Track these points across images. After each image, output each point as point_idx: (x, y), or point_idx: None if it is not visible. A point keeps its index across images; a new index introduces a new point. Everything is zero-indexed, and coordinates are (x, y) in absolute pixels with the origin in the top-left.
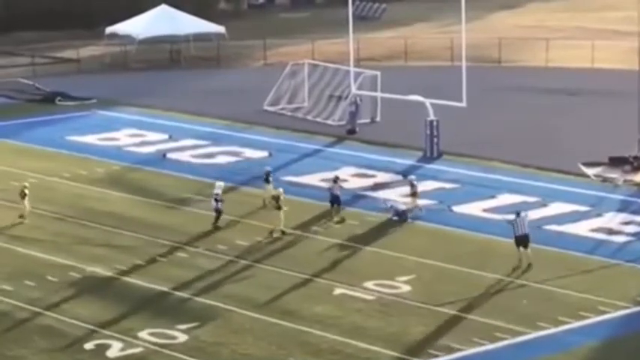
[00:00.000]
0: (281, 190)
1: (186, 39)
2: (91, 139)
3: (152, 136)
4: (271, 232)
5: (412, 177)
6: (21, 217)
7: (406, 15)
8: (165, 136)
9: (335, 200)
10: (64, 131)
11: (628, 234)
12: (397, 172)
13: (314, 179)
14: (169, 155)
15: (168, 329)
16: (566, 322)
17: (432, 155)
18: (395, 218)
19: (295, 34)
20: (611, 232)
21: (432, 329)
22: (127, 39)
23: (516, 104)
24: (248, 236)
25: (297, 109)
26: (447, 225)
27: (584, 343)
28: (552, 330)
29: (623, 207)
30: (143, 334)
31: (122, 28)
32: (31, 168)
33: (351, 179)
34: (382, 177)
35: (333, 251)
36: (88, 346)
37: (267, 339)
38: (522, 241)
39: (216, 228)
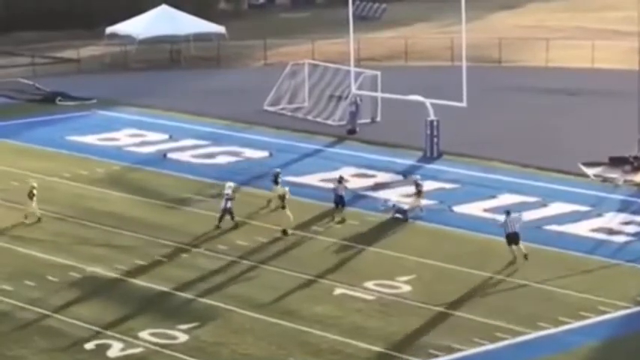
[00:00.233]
0: (287, 189)
1: (187, 39)
2: (91, 139)
3: (152, 136)
4: (285, 232)
5: (417, 176)
6: (30, 214)
7: (406, 15)
8: (166, 136)
9: (339, 201)
10: (64, 131)
11: (628, 234)
12: (397, 172)
13: (314, 179)
14: (170, 155)
15: (169, 329)
16: (567, 322)
17: (432, 155)
18: (398, 215)
19: (295, 34)
20: (611, 232)
21: (432, 329)
22: (127, 39)
23: (516, 104)
24: (249, 236)
25: (297, 109)
26: (447, 225)
27: (584, 343)
28: (552, 330)
29: (624, 207)
30: (143, 334)
31: (122, 28)
32: (31, 168)
33: (352, 179)
34: (382, 177)
35: (333, 251)
36: (89, 346)
37: (268, 339)
38: (513, 239)
39: (217, 227)
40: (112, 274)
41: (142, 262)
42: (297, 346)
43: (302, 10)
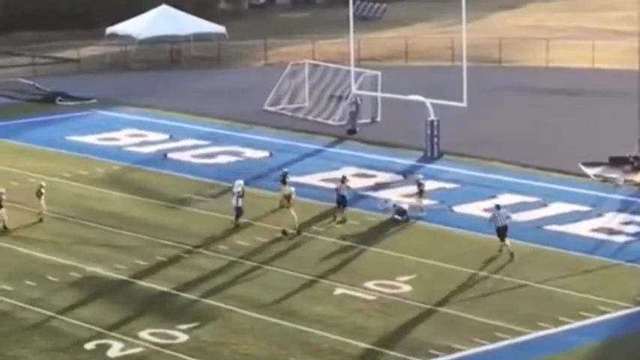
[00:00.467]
0: (293, 189)
1: (187, 39)
2: (91, 139)
3: (152, 136)
4: (299, 231)
5: (420, 176)
6: (40, 214)
7: (406, 15)
8: (166, 136)
9: (341, 200)
10: (64, 131)
11: (628, 234)
12: (398, 172)
13: (314, 179)
14: (170, 155)
15: (169, 329)
16: (567, 322)
17: (432, 155)
18: (397, 217)
19: (296, 34)
20: (611, 232)
21: (432, 329)
22: (127, 39)
23: (516, 104)
24: (249, 236)
25: (297, 109)
26: (447, 225)
27: (584, 343)
28: (553, 330)
29: (624, 207)
30: (144, 334)
31: (122, 28)
32: (31, 168)
33: (352, 179)
34: (383, 177)
35: (333, 251)
36: (89, 346)
37: (268, 339)
38: (502, 233)
39: (237, 226)
40: (112, 274)
41: (142, 262)
42: (297, 346)
43: (302, 10)
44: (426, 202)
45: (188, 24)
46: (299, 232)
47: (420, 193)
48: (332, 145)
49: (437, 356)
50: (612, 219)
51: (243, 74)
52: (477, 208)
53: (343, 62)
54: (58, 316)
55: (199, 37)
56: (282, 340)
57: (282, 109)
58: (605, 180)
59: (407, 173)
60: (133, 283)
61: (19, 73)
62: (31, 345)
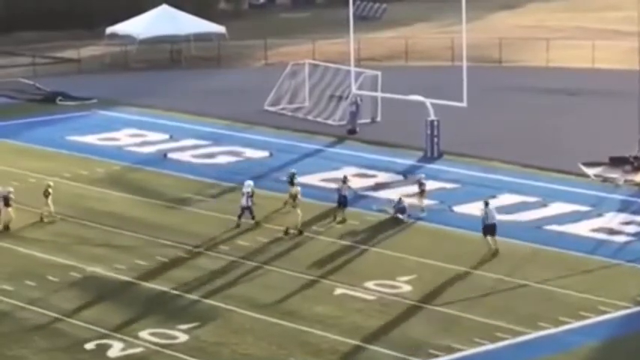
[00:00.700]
0: (298, 188)
1: (187, 39)
2: (91, 139)
3: (153, 136)
4: (300, 231)
5: (422, 175)
6: (46, 216)
7: (406, 15)
8: (166, 136)
9: (342, 201)
10: (64, 131)
11: (628, 234)
12: (398, 172)
13: (315, 179)
14: (170, 155)
15: (169, 329)
16: (567, 322)
17: (432, 155)
18: (399, 216)
19: (296, 34)
20: (611, 232)
21: (432, 329)
22: (127, 39)
23: (517, 104)
24: (250, 236)
25: (297, 109)
26: (447, 225)
27: (584, 343)
28: (553, 330)
29: (624, 207)
30: (144, 334)
31: (122, 28)
32: (31, 168)
33: (352, 179)
34: (383, 177)
35: (333, 251)
36: (89, 346)
37: (268, 339)
38: (490, 229)
39: (257, 223)
40: (112, 274)
41: (142, 262)
42: (297, 346)
43: (302, 10)
44: (426, 202)
45: (188, 24)
46: (300, 233)
47: (421, 193)
48: (332, 145)
49: (437, 356)
50: (612, 219)
51: (243, 74)
52: (477, 208)
53: (343, 62)
54: (58, 316)
55: (199, 37)
56: (282, 340)
57: (283, 109)
58: (605, 180)
59: (407, 173)
60: (133, 283)
61: (20, 73)
62: (31, 345)
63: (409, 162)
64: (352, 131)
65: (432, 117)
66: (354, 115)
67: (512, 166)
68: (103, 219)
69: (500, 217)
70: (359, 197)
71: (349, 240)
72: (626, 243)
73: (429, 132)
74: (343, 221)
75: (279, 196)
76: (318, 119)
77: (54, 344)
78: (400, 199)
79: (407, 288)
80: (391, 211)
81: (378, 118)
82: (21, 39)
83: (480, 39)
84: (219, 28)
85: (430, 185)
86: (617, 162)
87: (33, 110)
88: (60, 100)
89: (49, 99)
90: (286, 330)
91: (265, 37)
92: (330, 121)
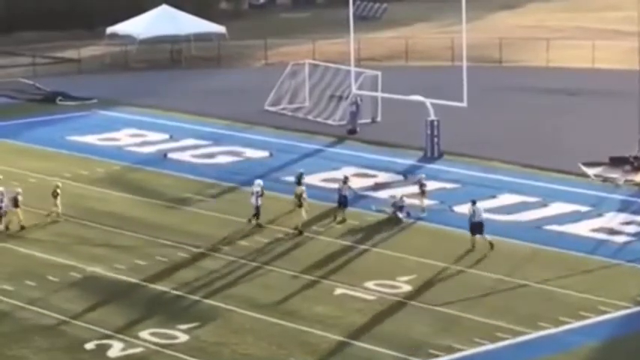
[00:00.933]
0: (303, 188)
1: (187, 39)
2: (91, 139)
3: (153, 136)
4: (299, 231)
5: (423, 175)
6: (52, 215)
7: (407, 15)
8: (166, 136)
9: (343, 201)
10: (64, 131)
11: (628, 234)
12: (398, 172)
13: (315, 179)
14: (170, 155)
15: (169, 329)
16: (567, 322)
17: (432, 155)
18: (400, 215)
19: (296, 34)
20: (611, 232)
21: (432, 329)
22: (127, 39)
23: (517, 104)
24: (250, 236)
25: (297, 109)
26: (447, 225)
27: (584, 343)
28: (553, 330)
29: (624, 207)
30: (144, 334)
31: (123, 28)
32: (31, 168)
33: (352, 179)
34: (383, 177)
35: (333, 251)
36: (89, 346)
37: (268, 339)
38: (478, 228)
39: (258, 225)
40: (112, 274)
41: (142, 262)
42: (297, 346)
43: (302, 10)
44: (426, 202)
45: (188, 24)
46: (300, 233)
47: (422, 193)
48: (332, 145)
49: (437, 356)
50: (612, 219)
51: (243, 74)
52: None
53: (343, 62)
54: (58, 316)
55: (199, 37)
56: (282, 340)
57: (283, 109)
58: (605, 180)
59: (407, 173)
60: (133, 283)
61: (20, 73)
62: (31, 345)
63: (409, 162)
64: (352, 131)
65: (432, 117)
66: (354, 115)
67: (512, 166)
68: (103, 219)
69: (500, 217)
70: (359, 197)
71: (349, 240)
72: (626, 243)
73: (429, 132)
74: (343, 221)
75: (279, 196)
76: (318, 119)
77: (54, 344)
78: (400, 197)
79: (407, 288)
80: (389, 210)
81: (378, 118)
82: (21, 39)
83: (480, 39)
84: (220, 28)
85: (430, 185)
86: (617, 162)
87: (33, 110)
88: (60, 100)
89: (49, 99)
90: (286, 330)
91: (265, 37)
92: (330, 121)
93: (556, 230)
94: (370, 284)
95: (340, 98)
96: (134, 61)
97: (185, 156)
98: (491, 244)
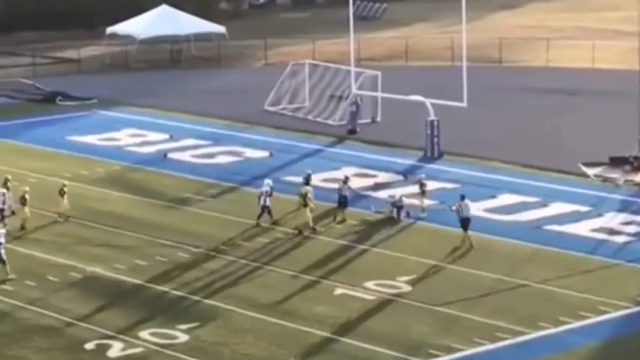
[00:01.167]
0: (309, 188)
1: (187, 39)
2: (91, 139)
3: (153, 136)
4: (300, 231)
5: (423, 175)
6: (61, 216)
7: (407, 15)
8: (166, 136)
9: (343, 201)
10: (64, 131)
11: (628, 234)
12: (398, 172)
13: (315, 179)
14: (170, 155)
15: (169, 329)
16: (567, 322)
17: (432, 155)
18: (400, 215)
19: (296, 34)
20: (611, 232)
21: (432, 329)
22: (127, 39)
23: (517, 104)
24: (249, 236)
25: (297, 109)
26: (447, 225)
27: (584, 343)
28: (553, 330)
29: (624, 207)
30: (144, 334)
31: (123, 28)
32: (31, 168)
33: (352, 179)
34: (383, 177)
35: (333, 251)
36: (89, 346)
37: (268, 339)
38: (464, 224)
39: (274, 222)
40: (112, 274)
41: (142, 262)
42: (297, 346)
43: (302, 10)
44: (426, 202)
45: (188, 24)
46: (300, 233)
47: (422, 193)
48: (332, 145)
49: (437, 356)
50: (612, 219)
51: (243, 74)
52: (477, 208)
53: (343, 62)
54: (58, 316)
55: (199, 37)
56: (282, 340)
57: (283, 109)
58: (605, 180)
59: (407, 173)
60: (133, 283)
61: (20, 73)
62: (31, 345)
63: (409, 162)
64: (352, 131)
65: (432, 117)
66: (354, 115)
67: (512, 166)
68: (103, 219)
69: (500, 217)
70: (359, 197)
71: (349, 240)
72: (626, 243)
73: (429, 132)
74: (343, 221)
75: (280, 196)
76: (318, 119)
77: (54, 344)
78: (400, 197)
79: (407, 288)
80: (388, 210)
81: (378, 118)
82: (21, 39)
83: (480, 39)
84: (220, 28)
85: (430, 185)
86: (617, 162)
87: (33, 110)
88: (60, 100)
89: (49, 99)
90: (286, 330)
91: (265, 37)
92: (330, 121)
93: (556, 230)
94: (370, 284)
95: (340, 98)
96: (134, 61)
97: (185, 156)
98: (472, 244)
